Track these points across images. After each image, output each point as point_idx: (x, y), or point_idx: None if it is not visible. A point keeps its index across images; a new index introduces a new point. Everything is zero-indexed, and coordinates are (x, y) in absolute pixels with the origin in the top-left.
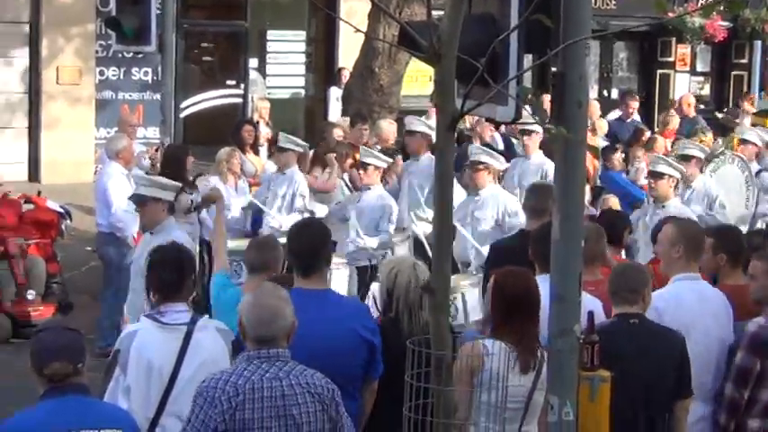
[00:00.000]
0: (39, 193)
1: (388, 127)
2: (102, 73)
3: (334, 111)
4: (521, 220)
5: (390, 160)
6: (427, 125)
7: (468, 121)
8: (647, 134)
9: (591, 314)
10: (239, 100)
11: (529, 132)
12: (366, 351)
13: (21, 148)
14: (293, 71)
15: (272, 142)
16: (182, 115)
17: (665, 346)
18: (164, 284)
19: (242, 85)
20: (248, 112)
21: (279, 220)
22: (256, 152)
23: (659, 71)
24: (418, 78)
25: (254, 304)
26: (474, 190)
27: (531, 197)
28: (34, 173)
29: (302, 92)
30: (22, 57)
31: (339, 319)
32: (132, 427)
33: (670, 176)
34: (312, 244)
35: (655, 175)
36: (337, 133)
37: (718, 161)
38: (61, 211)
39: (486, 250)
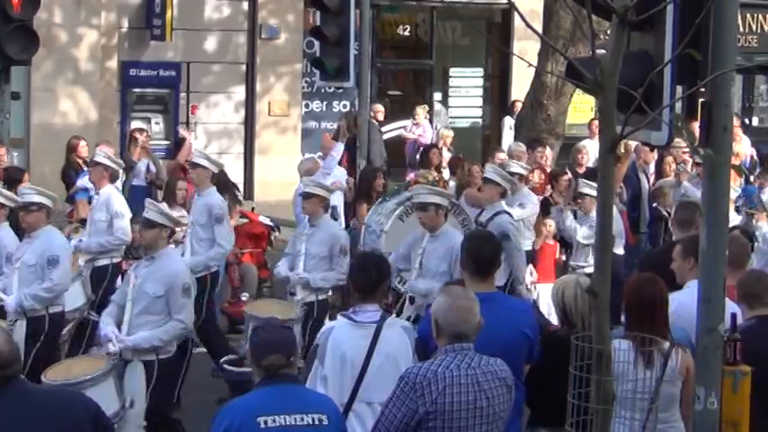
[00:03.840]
0: (252, 209)
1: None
2: (306, 105)
3: (508, 138)
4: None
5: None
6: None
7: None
8: None
9: (734, 315)
10: None
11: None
12: (528, 346)
13: (237, 170)
14: (472, 103)
15: (449, 164)
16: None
17: None
18: (361, 286)
19: (427, 116)
20: (433, 138)
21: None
22: (440, 172)
23: None
24: (581, 109)
25: (451, 305)
26: None
27: (679, 212)
28: (248, 191)
29: (480, 121)
30: (239, 92)
31: (508, 319)
32: (335, 413)
33: None
34: (492, 253)
35: None
36: (500, 156)
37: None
38: (271, 224)
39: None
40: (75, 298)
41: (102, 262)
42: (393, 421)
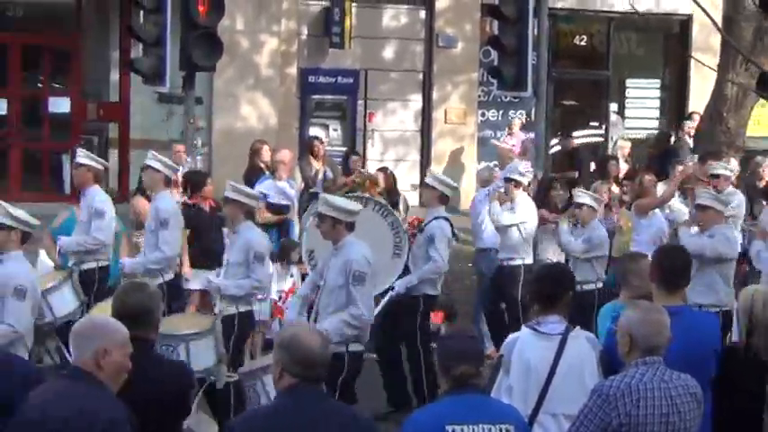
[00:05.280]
0: None
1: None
2: (483, 114)
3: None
4: None
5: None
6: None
7: None
8: None
9: None
10: (601, 139)
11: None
12: (715, 360)
13: (414, 178)
14: (648, 114)
15: (626, 176)
16: (551, 151)
17: None
18: (543, 297)
19: (603, 126)
20: (609, 149)
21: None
22: (619, 183)
23: None
24: (761, 122)
25: (644, 319)
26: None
27: None
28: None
29: (656, 132)
30: (416, 100)
31: (697, 333)
32: (522, 424)
33: None
34: (682, 267)
35: None
36: (678, 168)
37: None
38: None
39: None
40: None
41: None
42: None
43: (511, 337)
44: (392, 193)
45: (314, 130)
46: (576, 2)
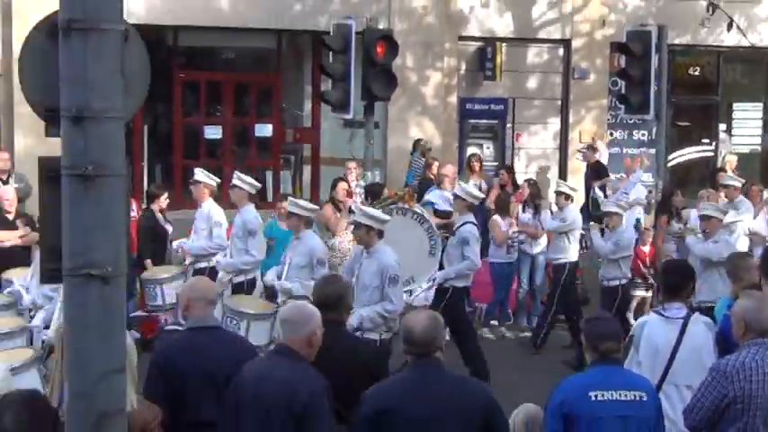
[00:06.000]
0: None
1: None
2: (611, 134)
3: None
4: None
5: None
6: (210, 176)
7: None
8: None
9: None
10: (711, 154)
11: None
12: None
13: (551, 188)
14: (752, 133)
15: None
16: (669, 165)
17: None
18: (666, 287)
19: (714, 144)
20: (718, 163)
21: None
22: None
23: None
24: None
25: (758, 307)
26: None
27: None
28: None
29: (758, 149)
30: (554, 123)
31: None
32: (653, 392)
33: None
34: None
35: None
36: None
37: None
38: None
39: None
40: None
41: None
42: (705, 403)
43: (641, 319)
44: (536, 199)
45: (471, 149)
46: (690, 38)
